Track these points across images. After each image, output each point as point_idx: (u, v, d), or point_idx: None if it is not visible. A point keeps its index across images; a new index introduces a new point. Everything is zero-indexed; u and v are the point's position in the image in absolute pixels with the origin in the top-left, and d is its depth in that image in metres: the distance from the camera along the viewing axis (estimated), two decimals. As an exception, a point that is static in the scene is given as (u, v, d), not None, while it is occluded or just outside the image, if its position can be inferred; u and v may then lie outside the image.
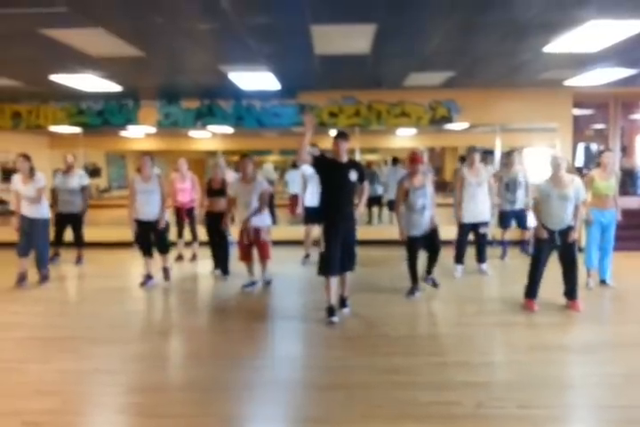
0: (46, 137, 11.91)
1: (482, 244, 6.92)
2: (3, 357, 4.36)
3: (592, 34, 5.32)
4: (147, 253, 6.63)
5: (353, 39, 5.61)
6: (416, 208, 5.76)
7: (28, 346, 4.59)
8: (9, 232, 7.16)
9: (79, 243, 8.12)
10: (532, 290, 5.39)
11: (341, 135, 4.98)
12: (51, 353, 4.41)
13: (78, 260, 8.15)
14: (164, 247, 6.73)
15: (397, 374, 3.87)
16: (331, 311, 5.08)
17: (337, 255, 4.99)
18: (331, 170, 4.96)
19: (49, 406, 3.41)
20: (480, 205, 6.68)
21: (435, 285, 6.11)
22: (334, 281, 5.10)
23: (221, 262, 7.06)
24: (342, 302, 5.37)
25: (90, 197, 8.30)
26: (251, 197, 6.09)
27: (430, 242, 5.89)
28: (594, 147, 11.28)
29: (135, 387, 3.79)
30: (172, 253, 7.41)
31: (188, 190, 7.97)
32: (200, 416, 3.30)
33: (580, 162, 10.93)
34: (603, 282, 6.31)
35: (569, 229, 5.21)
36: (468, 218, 6.71)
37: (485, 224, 6.76)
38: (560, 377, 3.89)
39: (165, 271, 6.81)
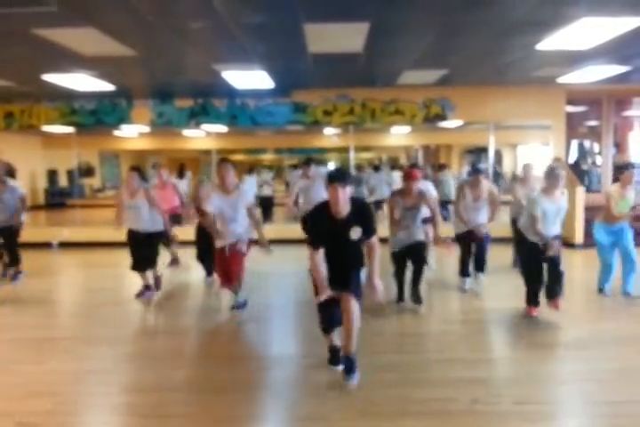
0: (39, 137, 11.86)
1: (481, 249, 6.16)
2: (-4, 358, 4.34)
3: (584, 31, 5.33)
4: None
5: (346, 38, 5.60)
6: (400, 225, 5.40)
7: (20, 347, 4.57)
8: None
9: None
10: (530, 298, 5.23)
11: (338, 177, 3.40)
12: (44, 354, 4.39)
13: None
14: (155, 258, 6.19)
15: (393, 372, 3.87)
16: (333, 354, 3.93)
17: (334, 310, 3.69)
18: (324, 228, 3.54)
19: (43, 407, 3.40)
20: (476, 216, 6.06)
21: (417, 301, 5.53)
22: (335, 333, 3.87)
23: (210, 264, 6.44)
24: (346, 362, 3.66)
25: (24, 208, 7.25)
26: (233, 211, 5.03)
27: (415, 254, 5.51)
28: (587, 144, 11.32)
29: (129, 387, 3.78)
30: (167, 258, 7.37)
31: (168, 198, 7.36)
32: (196, 416, 3.29)
33: (573, 159, 10.97)
34: (626, 294, 5.73)
35: (555, 238, 4.96)
36: (462, 228, 6.12)
37: (482, 225, 6.05)
38: (554, 373, 3.90)
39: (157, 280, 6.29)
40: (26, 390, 3.66)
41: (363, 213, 3.56)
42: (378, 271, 3.66)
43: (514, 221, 6.75)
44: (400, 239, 5.47)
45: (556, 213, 4.92)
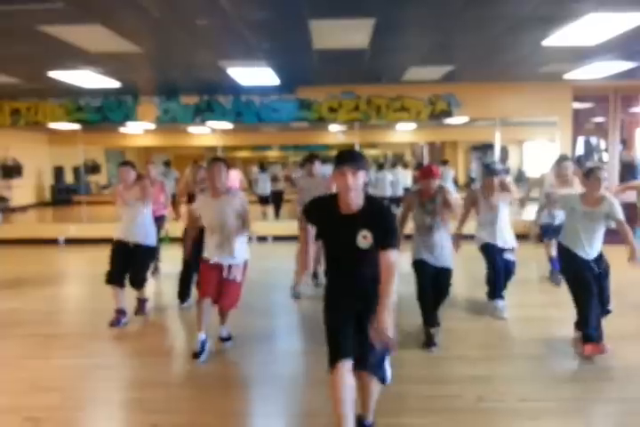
0: (45, 134, 11.92)
1: (507, 271, 5.19)
2: (3, 353, 4.37)
3: (591, 27, 5.29)
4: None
5: (352, 34, 5.59)
6: (422, 227, 4.39)
7: (27, 342, 4.61)
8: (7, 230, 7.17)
9: None
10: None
11: (348, 159, 2.62)
12: (51, 349, 4.42)
13: None
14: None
15: (398, 368, 3.85)
16: None
17: (346, 331, 2.88)
18: (327, 226, 2.78)
19: (49, 402, 3.42)
20: (501, 229, 5.10)
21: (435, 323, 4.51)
22: (347, 379, 2.80)
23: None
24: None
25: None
26: (220, 218, 4.17)
27: (441, 281, 4.44)
28: (594, 140, 11.27)
29: (135, 383, 3.80)
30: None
31: (155, 197, 6.45)
32: (200, 412, 3.31)
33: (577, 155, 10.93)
34: None
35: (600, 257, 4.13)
36: (489, 238, 5.09)
37: (511, 250, 5.17)
38: (560, 371, 3.89)
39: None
40: (33, 386, 3.69)
41: (380, 213, 2.65)
42: (390, 305, 2.56)
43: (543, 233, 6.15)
44: (425, 245, 4.40)
45: (591, 221, 3.99)
